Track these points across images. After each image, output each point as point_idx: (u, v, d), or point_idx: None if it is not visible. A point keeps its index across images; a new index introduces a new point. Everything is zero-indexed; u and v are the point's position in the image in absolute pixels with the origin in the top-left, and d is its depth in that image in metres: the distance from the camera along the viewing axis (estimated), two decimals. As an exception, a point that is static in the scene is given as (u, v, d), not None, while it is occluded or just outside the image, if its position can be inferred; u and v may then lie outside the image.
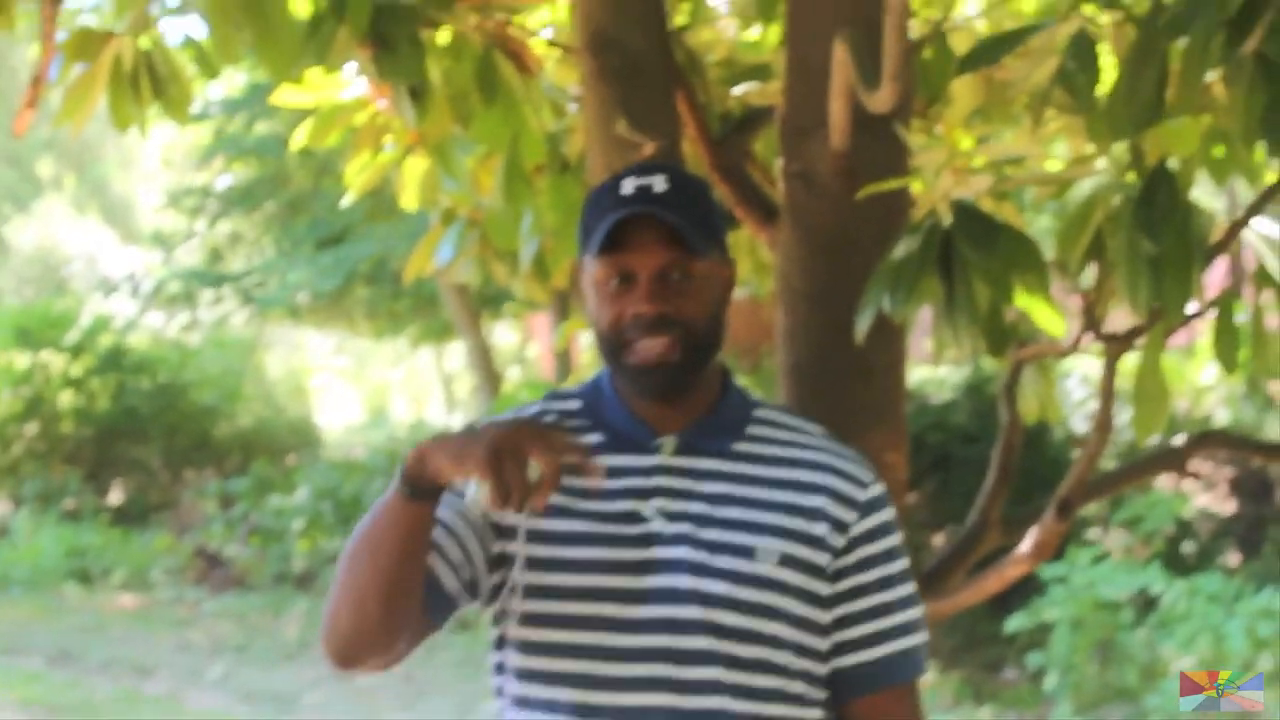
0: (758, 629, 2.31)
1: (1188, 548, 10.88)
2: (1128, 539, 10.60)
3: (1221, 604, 9.07)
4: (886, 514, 2.44)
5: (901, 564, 2.45)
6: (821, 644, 2.38)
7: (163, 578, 15.15)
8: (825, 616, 2.38)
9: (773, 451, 2.42)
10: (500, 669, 2.44)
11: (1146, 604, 9.81)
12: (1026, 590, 10.03)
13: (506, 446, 2.11)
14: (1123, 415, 11.03)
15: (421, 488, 2.21)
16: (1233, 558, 11.09)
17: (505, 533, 2.38)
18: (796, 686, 2.35)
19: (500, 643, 2.43)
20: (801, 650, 2.35)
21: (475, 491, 2.15)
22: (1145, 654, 9.41)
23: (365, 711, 10.37)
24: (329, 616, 2.32)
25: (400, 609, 2.27)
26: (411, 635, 2.33)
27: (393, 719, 10.15)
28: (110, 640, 12.65)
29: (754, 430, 2.44)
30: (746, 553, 2.32)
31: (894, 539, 2.45)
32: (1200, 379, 12.02)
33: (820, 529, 2.37)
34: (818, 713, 2.38)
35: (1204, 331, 12.31)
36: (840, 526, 2.38)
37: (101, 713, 9.79)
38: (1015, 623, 9.73)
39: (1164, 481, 11.25)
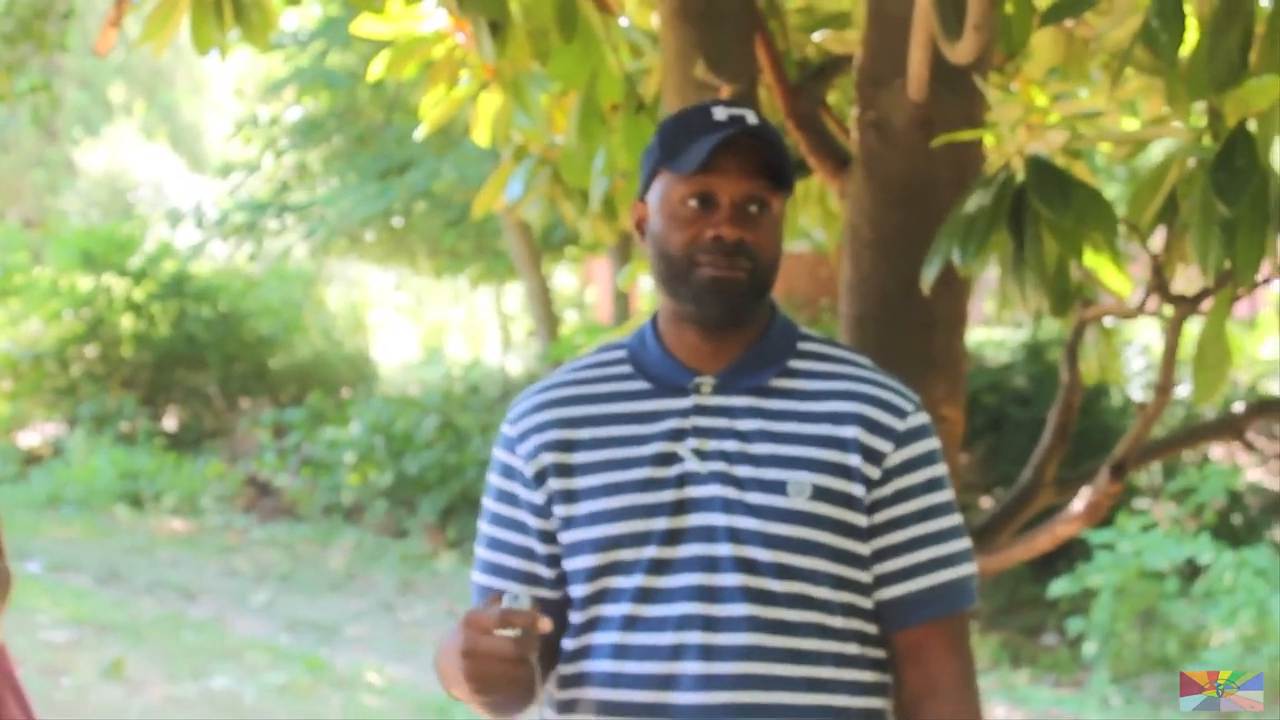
0: (792, 563, 2.32)
1: (1236, 521, 10.86)
2: (1175, 511, 10.58)
3: (1268, 578, 9.05)
4: (927, 444, 2.42)
5: (944, 495, 2.43)
6: (864, 576, 2.38)
7: (213, 504, 15.27)
8: (865, 548, 2.38)
9: (811, 385, 2.42)
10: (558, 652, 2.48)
11: (1191, 575, 9.80)
12: (1071, 555, 10.04)
13: (472, 671, 2.21)
14: (1178, 388, 11.00)
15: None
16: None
17: (545, 511, 2.45)
18: (835, 620, 2.34)
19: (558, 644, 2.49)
20: (839, 582, 2.35)
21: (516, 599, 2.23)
22: (1187, 625, 9.41)
23: (406, 646, 10.45)
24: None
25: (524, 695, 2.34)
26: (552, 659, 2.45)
27: (432, 655, 10.20)
28: (158, 563, 12.77)
29: (795, 364, 2.44)
30: (778, 488, 2.33)
31: (935, 469, 2.42)
32: (1260, 353, 11.97)
33: (853, 459, 2.36)
34: (855, 646, 2.37)
35: (1266, 305, 12.25)
36: (875, 456, 2.37)
37: (147, 633, 9.88)
38: (1059, 587, 9.74)
39: (1218, 454, 11.22)
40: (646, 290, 13.96)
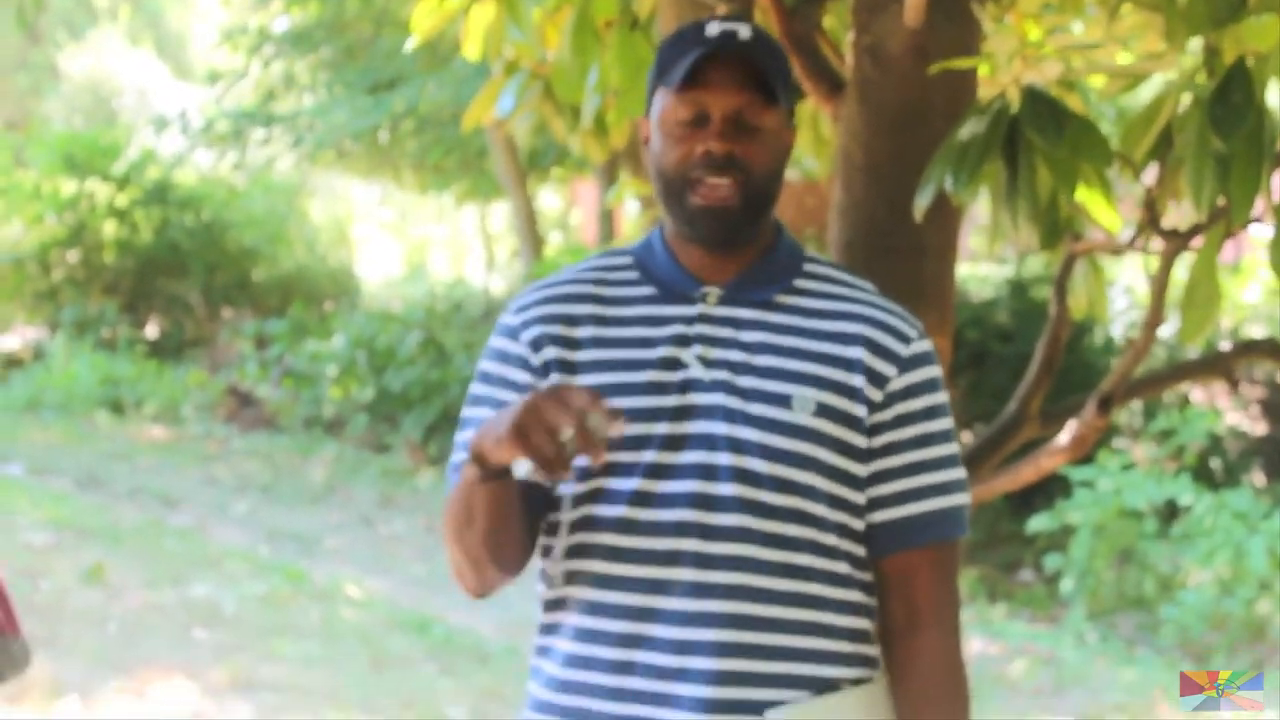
0: (790, 477, 2.32)
1: (1215, 464, 10.90)
2: (1155, 452, 10.62)
3: (1246, 521, 9.10)
4: (929, 371, 2.43)
5: (943, 423, 2.43)
6: (858, 497, 2.39)
7: (193, 413, 15.26)
8: (862, 470, 2.38)
9: (817, 304, 2.43)
10: (546, 552, 2.47)
11: (1169, 516, 9.85)
12: (1050, 493, 10.08)
13: (529, 421, 2.14)
14: (1163, 329, 11.02)
15: (489, 471, 2.26)
16: (1258, 478, 11.12)
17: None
18: (829, 538, 2.35)
19: (549, 536, 2.47)
20: (835, 501, 2.36)
21: (526, 469, 2.22)
22: (1164, 565, 9.47)
23: (385, 560, 10.49)
24: (455, 572, 2.42)
25: (512, 546, 2.36)
26: (530, 545, 2.43)
27: (411, 569, 10.26)
28: (138, 469, 12.77)
29: (801, 283, 2.45)
30: (782, 400, 2.34)
31: (936, 396, 2.43)
32: (1243, 298, 11.98)
33: (857, 380, 2.37)
34: (845, 566, 2.37)
35: (1252, 249, 12.25)
36: (878, 379, 2.38)
37: (128, 539, 9.88)
38: (1037, 523, 9.79)
39: (1198, 397, 11.26)
40: (632, 212, 13.91)
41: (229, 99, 18.33)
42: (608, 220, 15.86)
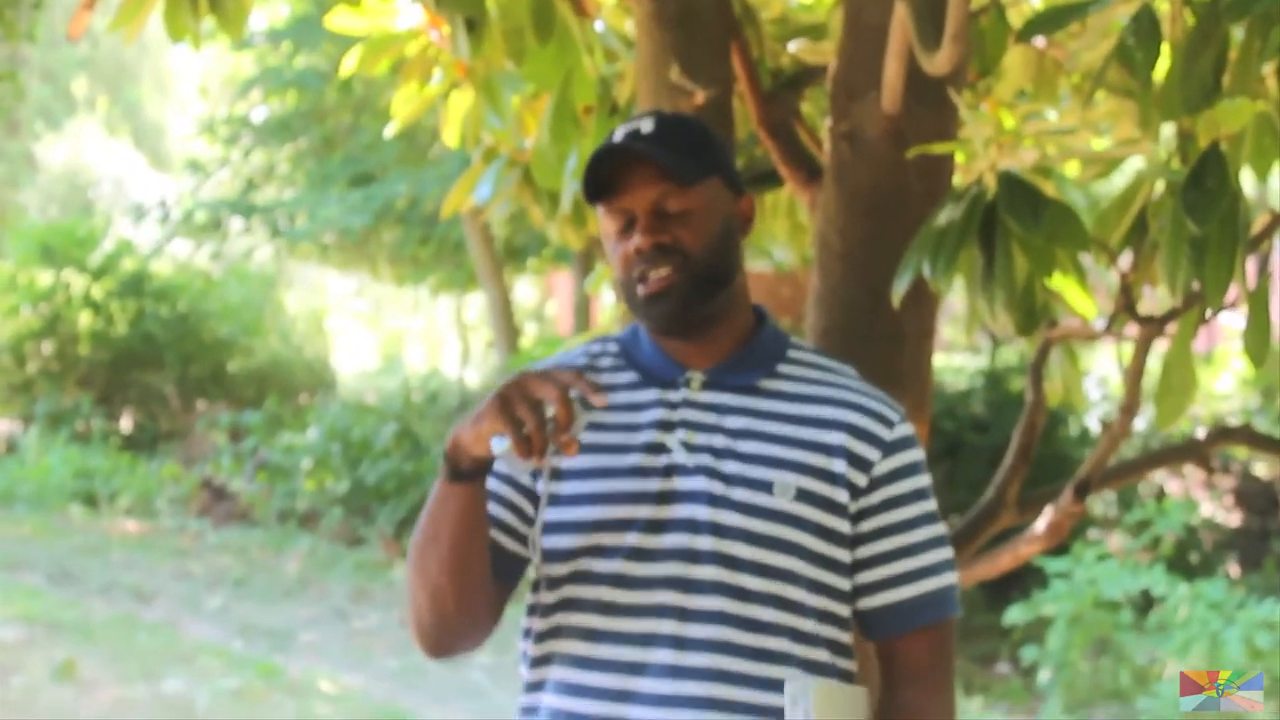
0: (770, 562, 2.33)
1: (1191, 555, 10.89)
2: (1130, 543, 10.62)
3: (1222, 612, 9.07)
4: (913, 454, 2.45)
5: (929, 504, 2.45)
6: (842, 582, 2.39)
7: (167, 506, 15.19)
8: (846, 555, 2.39)
9: (800, 389, 2.44)
10: (526, 634, 2.47)
11: (1145, 606, 9.82)
12: (1026, 584, 10.05)
13: (513, 394, 2.18)
14: (1138, 419, 11.04)
15: (461, 468, 2.29)
16: (1234, 569, 11.11)
17: (538, 476, 2.44)
18: (807, 624, 2.35)
19: (530, 617, 2.47)
20: (817, 587, 2.36)
21: (503, 447, 2.20)
22: (1140, 656, 9.43)
23: (359, 655, 10.41)
24: (412, 613, 2.41)
25: (473, 587, 2.36)
26: (491, 607, 2.41)
27: (385, 663, 10.19)
28: (111, 564, 12.70)
29: (784, 369, 2.46)
30: (764, 486, 2.35)
31: (921, 479, 2.45)
32: (1216, 387, 12.02)
33: (838, 465, 2.38)
34: (825, 654, 2.37)
35: (1224, 338, 12.31)
36: (862, 464, 2.39)
37: (100, 634, 9.82)
38: (1014, 615, 9.75)
39: (1174, 488, 11.27)
40: (608, 302, 13.93)
41: (207, 189, 18.36)
42: (584, 312, 15.88)
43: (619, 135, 2.38)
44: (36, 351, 18.04)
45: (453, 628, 2.39)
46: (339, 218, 15.66)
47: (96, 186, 28.41)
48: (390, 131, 4.45)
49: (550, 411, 2.17)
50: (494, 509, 2.43)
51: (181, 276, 18.98)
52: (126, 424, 18.25)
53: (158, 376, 18.25)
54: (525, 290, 24.51)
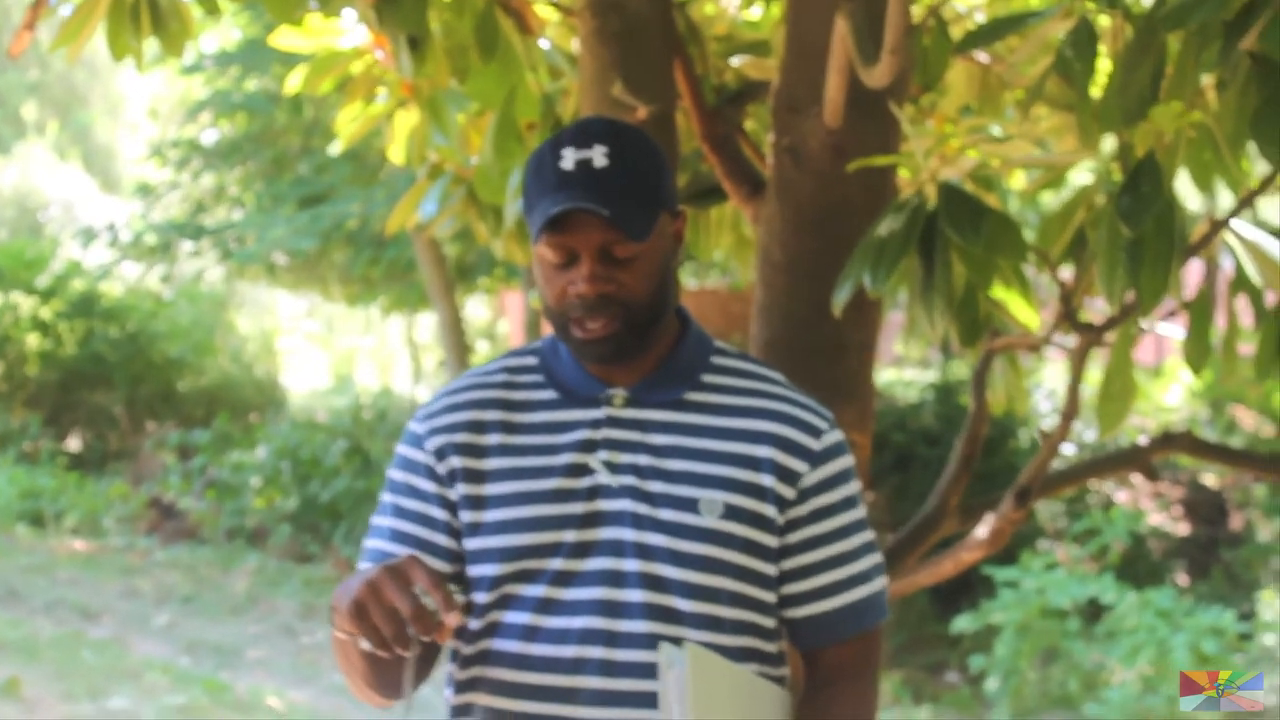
0: (698, 582, 2.30)
1: (1140, 565, 10.96)
2: (1078, 553, 10.68)
3: (1170, 619, 9.14)
4: (842, 462, 2.41)
5: (858, 513, 2.43)
6: (766, 595, 2.37)
7: (115, 525, 15.11)
8: (772, 569, 2.37)
9: (726, 400, 2.40)
10: (453, 657, 2.45)
11: (1093, 614, 9.88)
12: (974, 593, 10.10)
13: (367, 599, 2.13)
14: (1086, 432, 11.13)
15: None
16: (1182, 578, 11.18)
17: (454, 509, 2.41)
18: (729, 640, 2.33)
19: (456, 640, 2.45)
20: (740, 600, 2.34)
21: (366, 644, 2.18)
22: (1088, 663, 9.48)
23: (306, 671, 10.37)
24: (355, 693, 2.40)
25: (399, 679, 2.32)
26: (429, 658, 2.37)
27: (333, 679, 10.16)
28: (58, 582, 12.61)
29: (709, 379, 2.42)
30: (690, 505, 2.31)
31: (850, 487, 2.42)
32: (1165, 400, 12.11)
33: (766, 479, 2.35)
34: (754, 666, 2.36)
35: (1171, 351, 12.40)
36: (790, 476, 2.36)
37: (45, 652, 9.76)
38: (961, 623, 9.80)
39: (1122, 498, 11.34)
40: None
41: (157, 211, 18.29)
42: (535, 330, 15.87)
43: (568, 162, 2.27)
44: (-16, 372, 17.97)
45: (394, 696, 2.35)
46: (287, 239, 15.62)
47: (46, 209, 28.25)
48: (336, 150, 4.46)
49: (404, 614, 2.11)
50: (405, 551, 2.39)
51: (131, 298, 18.90)
52: (75, 444, 18.15)
53: (107, 397, 18.17)
54: (477, 308, 24.48)
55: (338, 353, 29.52)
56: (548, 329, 2.45)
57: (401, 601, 2.10)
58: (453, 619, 2.12)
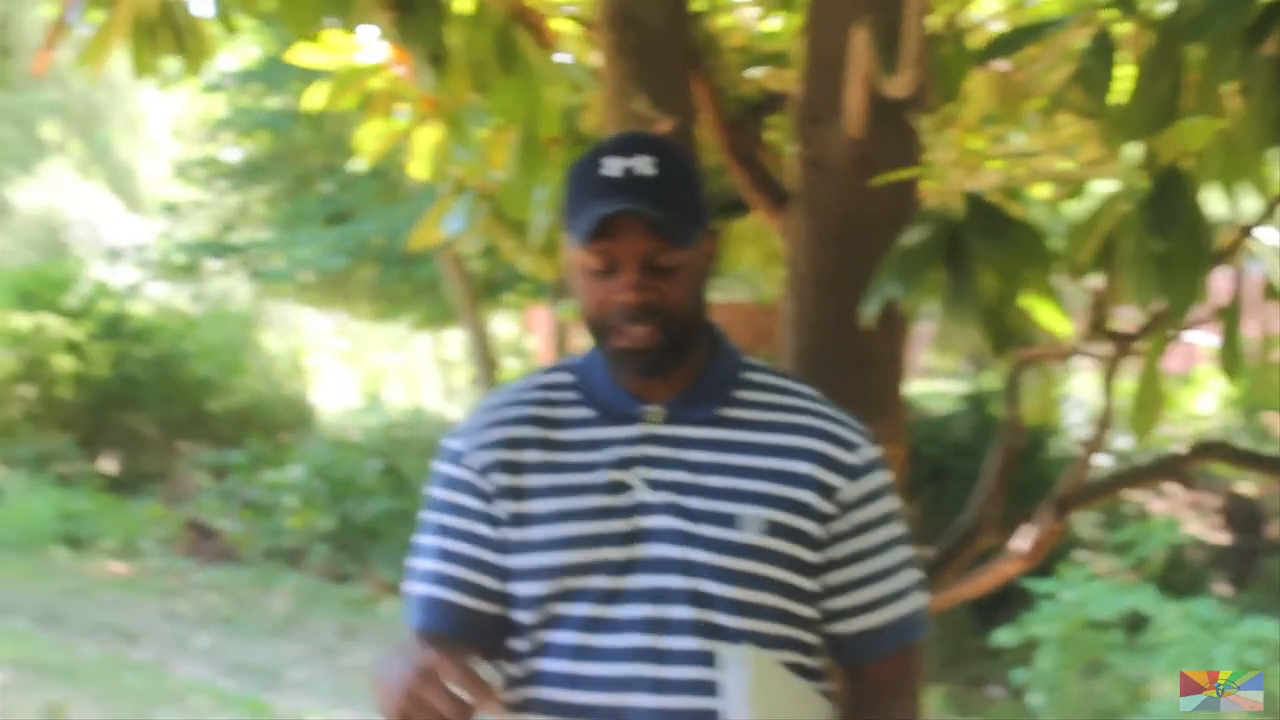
0: (743, 598, 2.29)
1: (1179, 574, 10.89)
2: (1116, 564, 10.62)
3: (1212, 630, 9.07)
4: (880, 477, 2.41)
5: (898, 529, 2.43)
6: (807, 611, 2.37)
7: (152, 547, 15.15)
8: (813, 584, 2.36)
9: (761, 416, 2.40)
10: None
11: (1135, 626, 9.82)
12: (1014, 607, 10.04)
13: (412, 713, 2.12)
14: (1125, 443, 11.06)
15: None
16: (1222, 587, 11.11)
17: (500, 525, 2.40)
18: (780, 656, 2.32)
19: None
20: (783, 617, 2.33)
21: None
22: (1131, 675, 9.42)
23: (349, 692, 10.38)
24: None
25: None
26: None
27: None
28: (98, 605, 12.65)
29: (742, 394, 2.42)
30: (730, 521, 2.31)
31: (889, 502, 2.42)
32: (1197, 408, 12.03)
33: (806, 495, 2.34)
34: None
35: (1202, 359, 12.33)
36: (829, 492, 2.35)
37: (88, 676, 9.79)
38: (1003, 636, 9.74)
39: (1159, 508, 11.28)
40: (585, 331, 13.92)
41: (183, 230, 18.35)
42: (563, 345, 15.87)
43: (613, 169, 2.27)
44: (16, 395, 18.00)
45: None
46: (315, 258, 15.64)
47: (70, 229, 28.34)
48: (358, 167, 4.45)
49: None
50: (456, 570, 2.39)
51: (160, 318, 18.97)
52: (109, 465, 18.21)
53: (139, 418, 18.21)
54: (504, 324, 24.49)
55: (366, 370, 29.55)
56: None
57: (443, 704, 2.09)
58: (493, 710, 2.11)
